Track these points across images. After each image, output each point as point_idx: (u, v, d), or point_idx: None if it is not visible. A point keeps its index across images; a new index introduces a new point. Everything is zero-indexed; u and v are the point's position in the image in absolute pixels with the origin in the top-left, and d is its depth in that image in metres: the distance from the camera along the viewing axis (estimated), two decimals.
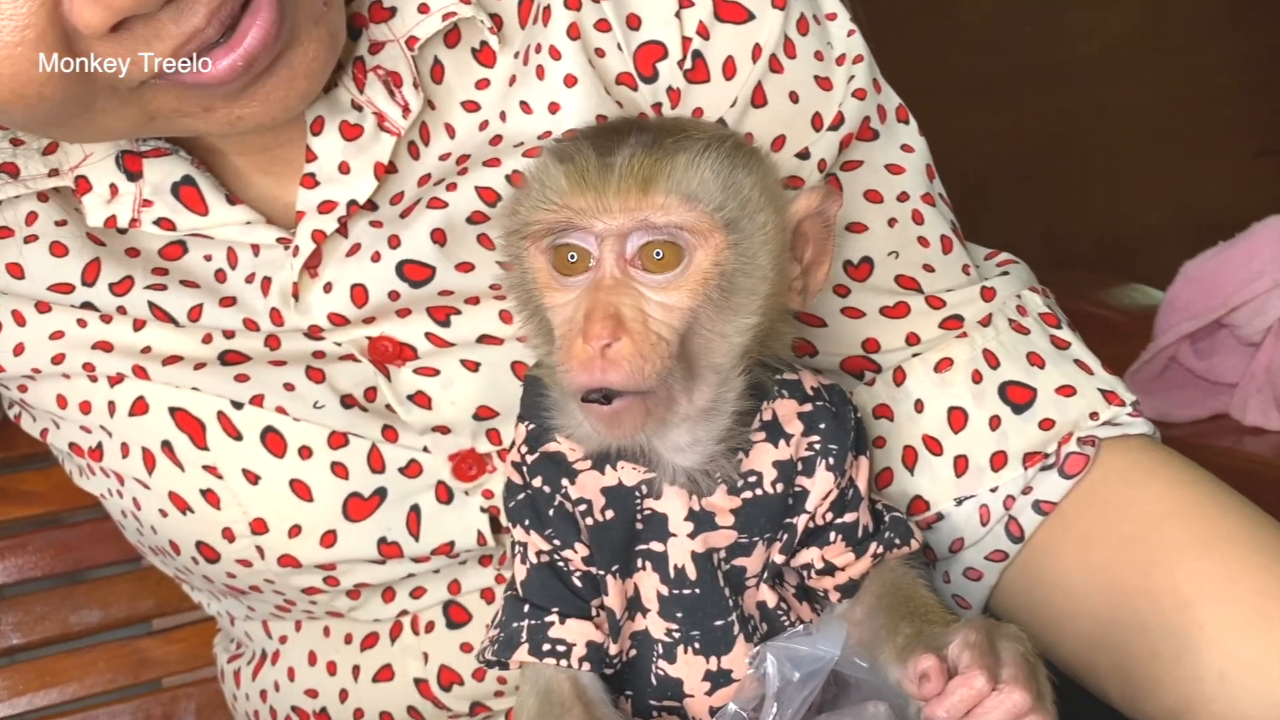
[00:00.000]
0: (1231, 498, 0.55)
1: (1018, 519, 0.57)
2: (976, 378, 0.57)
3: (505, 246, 0.49)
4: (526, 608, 0.50)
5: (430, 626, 0.63)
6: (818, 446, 0.49)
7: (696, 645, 0.50)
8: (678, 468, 0.48)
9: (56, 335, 0.60)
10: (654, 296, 0.45)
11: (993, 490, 0.56)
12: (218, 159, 0.60)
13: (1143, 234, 1.52)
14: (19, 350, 0.60)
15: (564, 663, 0.48)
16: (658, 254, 0.45)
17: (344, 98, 0.57)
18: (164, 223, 0.58)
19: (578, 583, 0.49)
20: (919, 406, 0.57)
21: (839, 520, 0.50)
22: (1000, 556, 0.57)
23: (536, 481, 0.50)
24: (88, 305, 0.60)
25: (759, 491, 0.49)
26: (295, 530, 0.58)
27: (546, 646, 0.49)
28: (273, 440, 0.58)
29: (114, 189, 0.58)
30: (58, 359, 0.60)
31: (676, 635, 0.50)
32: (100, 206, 0.59)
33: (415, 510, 0.59)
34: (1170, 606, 0.52)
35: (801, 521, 0.50)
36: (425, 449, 0.58)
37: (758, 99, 0.57)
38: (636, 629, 0.50)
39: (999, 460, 0.56)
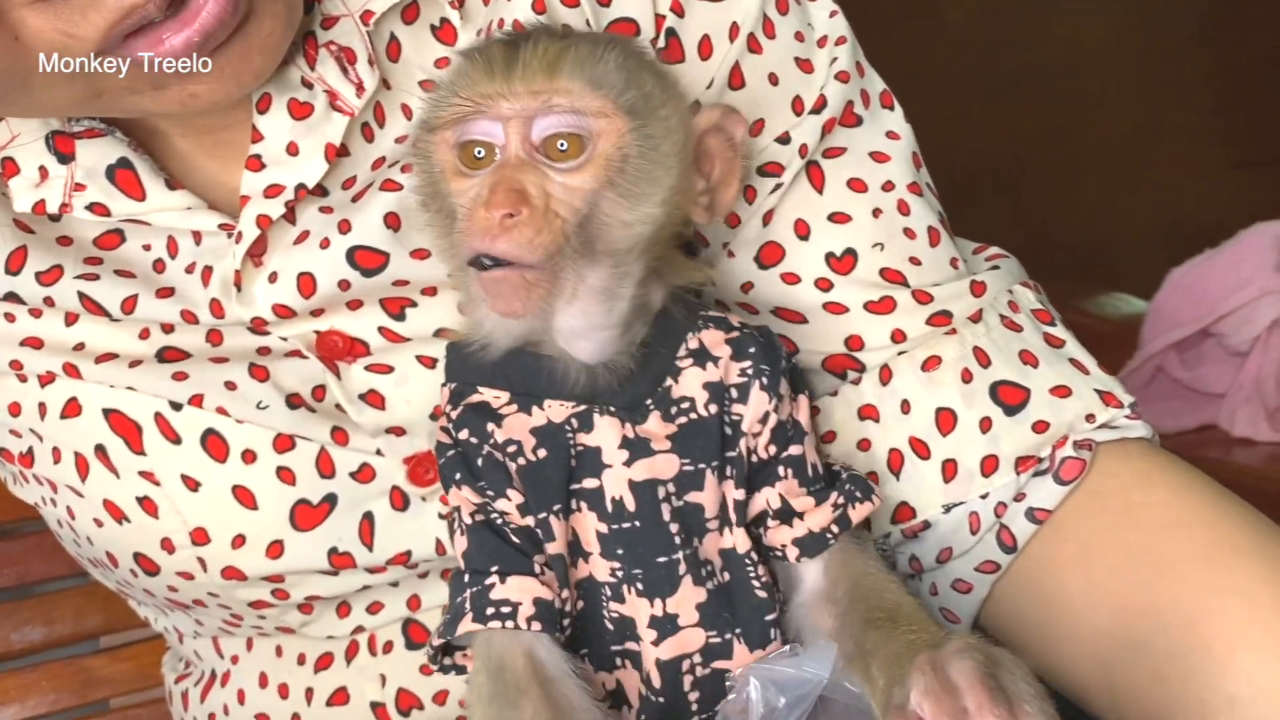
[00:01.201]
0: (1236, 505, 0.53)
1: (1010, 527, 0.54)
2: (966, 377, 0.54)
3: (414, 145, 0.50)
4: (467, 577, 0.48)
5: (389, 646, 0.60)
6: (750, 371, 0.49)
7: (640, 585, 0.48)
8: (580, 366, 0.48)
9: None
10: (557, 179, 0.46)
11: (983, 497, 0.53)
12: (159, 140, 0.57)
13: (1122, 240, 1.54)
14: None
15: (511, 624, 0.46)
16: (562, 145, 0.46)
17: (294, 75, 0.54)
18: (97, 208, 0.55)
19: (515, 538, 0.48)
20: (905, 407, 0.55)
21: (784, 454, 0.49)
22: (992, 568, 0.55)
23: (463, 434, 0.49)
24: (12, 296, 0.56)
25: (693, 415, 0.49)
26: (239, 540, 0.55)
27: (490, 610, 0.47)
28: (214, 444, 0.55)
29: (44, 172, 0.55)
30: None
31: (620, 574, 0.48)
32: (28, 190, 0.56)
33: (368, 518, 0.56)
34: (1175, 624, 0.50)
35: (743, 446, 0.49)
36: (378, 452, 0.56)
37: (735, 80, 0.55)
38: (581, 576, 0.48)
39: (990, 464, 0.53)
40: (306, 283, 0.55)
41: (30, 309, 0.56)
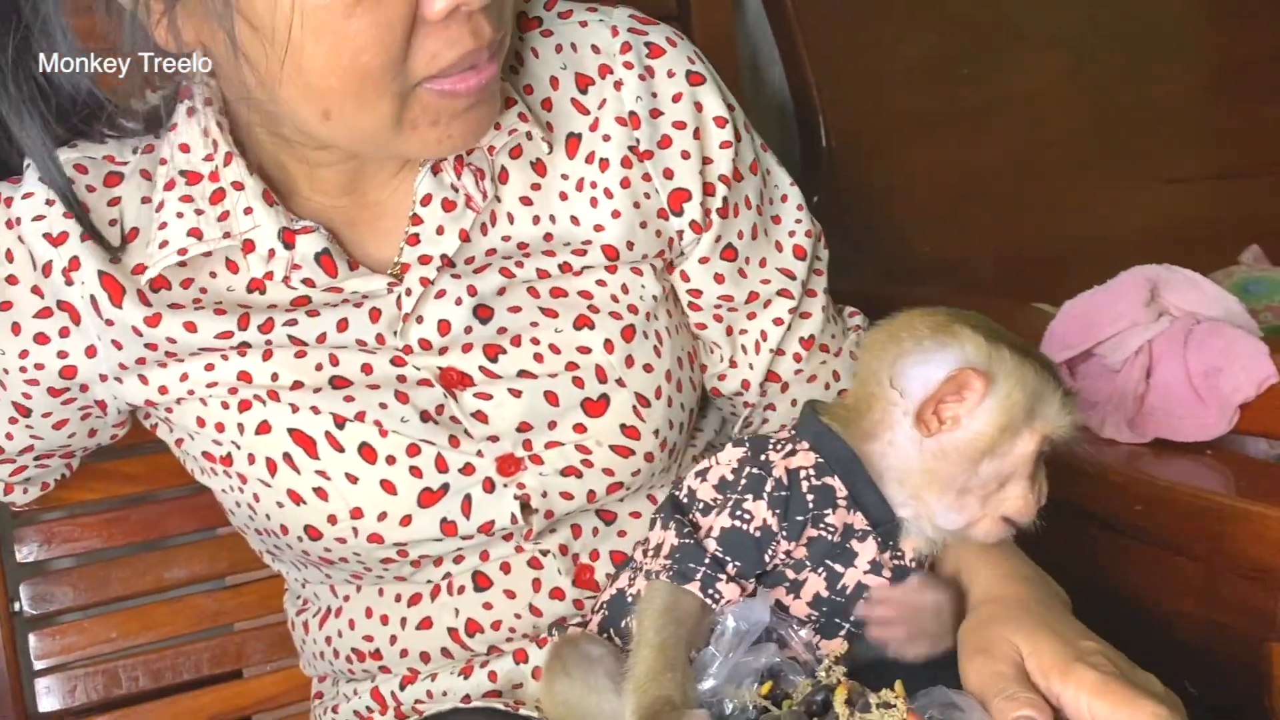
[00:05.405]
0: None
1: None
2: (826, 386, 0.90)
3: (1018, 424, 0.71)
4: (707, 559, 0.70)
5: (461, 589, 0.83)
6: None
7: (819, 626, 0.72)
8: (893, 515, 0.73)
9: (209, 367, 0.79)
10: None
11: None
12: (343, 231, 0.81)
13: (1061, 255, 1.62)
14: (184, 378, 0.79)
15: (716, 606, 0.69)
16: None
17: (447, 180, 0.79)
18: (308, 281, 0.78)
19: (766, 559, 0.70)
20: (794, 403, 0.87)
21: None
22: None
23: (809, 497, 0.71)
24: (244, 344, 0.79)
25: (904, 562, 0.73)
26: (382, 515, 0.78)
27: (711, 591, 0.69)
28: (367, 452, 0.78)
29: (271, 253, 0.78)
30: (211, 385, 0.79)
31: (812, 617, 0.72)
32: (261, 264, 0.78)
33: (468, 499, 0.79)
34: None
35: None
36: (479, 454, 0.79)
37: (754, 234, 0.86)
38: (784, 602, 0.72)
39: None
40: (444, 326, 0.79)
41: (238, 350, 0.78)
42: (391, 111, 0.70)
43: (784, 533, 0.70)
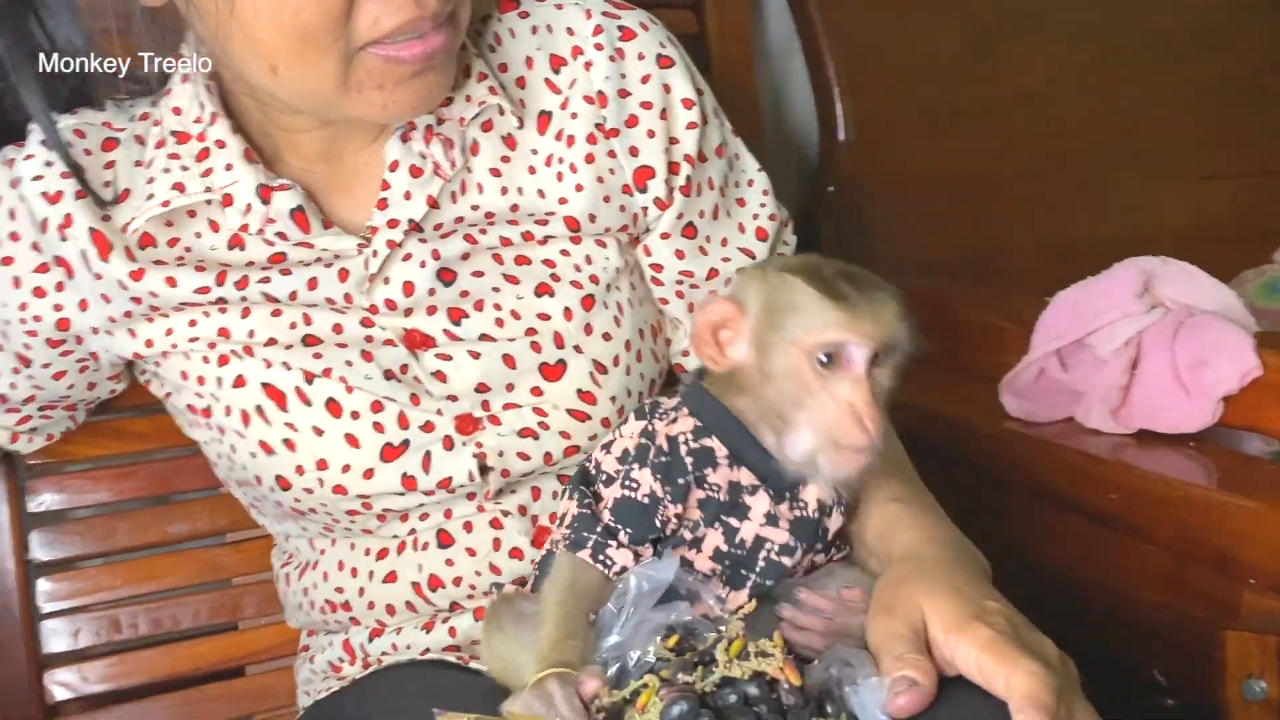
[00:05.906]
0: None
1: None
2: None
3: (769, 342, 0.71)
4: (599, 528, 0.71)
5: (425, 546, 0.86)
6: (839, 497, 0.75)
7: (725, 579, 0.73)
8: (786, 469, 0.73)
9: (192, 323, 0.83)
10: (878, 377, 0.70)
11: None
12: (317, 194, 0.84)
13: (1085, 249, 1.63)
14: (169, 332, 0.84)
15: (608, 572, 0.71)
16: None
17: (415, 148, 0.82)
18: (281, 235, 0.82)
19: (658, 523, 0.72)
20: None
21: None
22: None
23: (688, 460, 0.72)
24: (220, 300, 0.83)
25: (807, 513, 0.74)
26: (346, 468, 0.81)
27: (602, 558, 0.72)
28: (333, 406, 0.81)
29: (249, 207, 0.82)
30: (193, 339, 0.83)
31: (717, 571, 0.73)
32: (238, 216, 0.82)
33: (428, 455, 0.82)
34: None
35: (828, 540, 0.75)
36: (439, 412, 0.82)
37: (715, 214, 0.87)
38: (688, 558, 0.73)
39: None
40: (409, 287, 0.82)
41: (217, 306, 0.82)
42: (335, 72, 0.73)
43: (669, 497, 0.72)
